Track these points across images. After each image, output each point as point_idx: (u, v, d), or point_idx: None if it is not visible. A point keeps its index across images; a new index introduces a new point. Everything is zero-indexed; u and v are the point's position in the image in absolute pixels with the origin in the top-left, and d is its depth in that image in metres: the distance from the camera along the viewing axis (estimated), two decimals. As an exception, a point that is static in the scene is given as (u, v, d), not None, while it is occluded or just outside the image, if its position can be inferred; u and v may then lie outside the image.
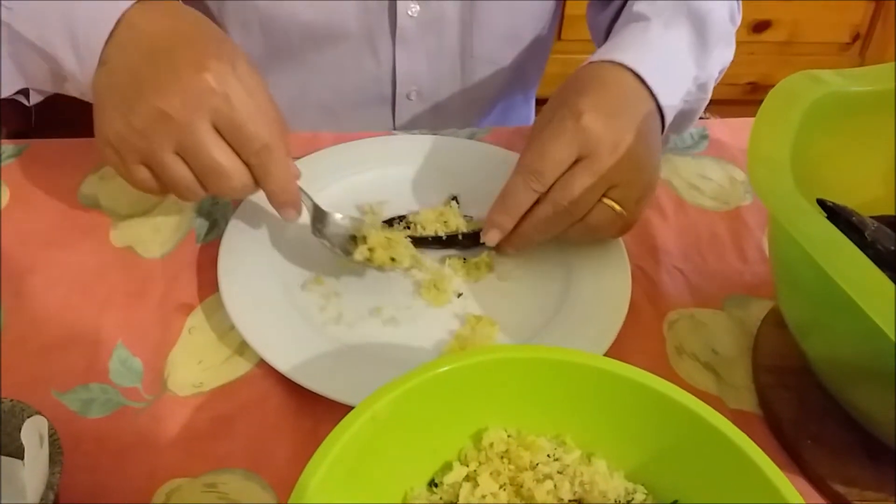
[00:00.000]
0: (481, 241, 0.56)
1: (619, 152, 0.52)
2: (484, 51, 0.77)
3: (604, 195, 0.53)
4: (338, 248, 0.55)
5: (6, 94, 0.56)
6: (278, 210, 0.53)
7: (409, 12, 0.71)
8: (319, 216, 0.55)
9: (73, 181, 0.63)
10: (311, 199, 0.55)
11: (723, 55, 0.67)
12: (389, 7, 0.71)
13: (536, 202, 0.53)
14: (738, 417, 0.50)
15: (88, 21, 0.50)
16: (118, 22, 0.49)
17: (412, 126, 0.80)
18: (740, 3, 0.73)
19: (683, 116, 0.66)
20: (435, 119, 0.82)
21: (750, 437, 0.38)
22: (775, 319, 0.55)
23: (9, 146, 0.66)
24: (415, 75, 0.77)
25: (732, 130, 0.75)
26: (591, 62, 0.59)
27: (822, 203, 0.46)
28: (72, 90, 0.55)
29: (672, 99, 0.59)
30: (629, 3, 0.68)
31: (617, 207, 0.53)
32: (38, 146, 0.66)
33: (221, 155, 0.48)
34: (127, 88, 0.48)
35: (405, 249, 0.54)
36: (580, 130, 0.52)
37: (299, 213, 0.53)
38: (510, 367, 0.40)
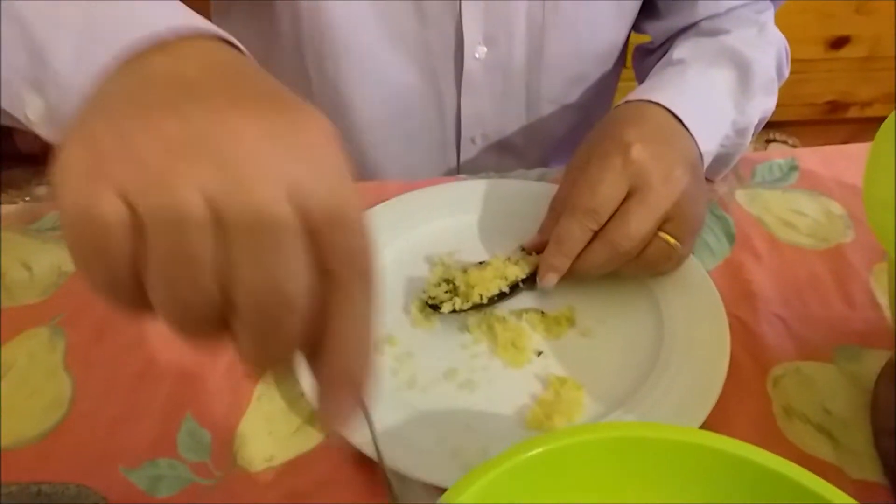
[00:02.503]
0: (538, 286, 0.54)
1: (670, 183, 0.50)
2: (551, 93, 0.75)
3: (659, 229, 0.51)
4: None
5: None
6: (328, 392, 0.29)
7: (476, 55, 0.69)
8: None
9: (141, 242, 0.62)
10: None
11: (764, 102, 0.66)
12: (456, 51, 0.69)
13: (591, 239, 0.52)
14: (862, 490, 0.44)
15: (131, 14, 0.32)
16: (180, 37, 0.30)
17: (476, 167, 0.77)
18: (789, 57, 0.71)
19: (720, 161, 0.64)
20: (500, 160, 0.79)
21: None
22: (895, 374, 0.50)
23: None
24: (480, 119, 0.75)
25: (824, 160, 0.70)
26: (627, 101, 0.59)
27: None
28: (32, 111, 0.34)
29: (709, 139, 0.58)
30: (671, 49, 0.68)
31: (672, 241, 0.51)
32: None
33: (291, 236, 0.26)
34: (186, 91, 0.28)
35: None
36: (629, 163, 0.50)
37: (353, 406, 0.30)
38: (605, 447, 0.36)
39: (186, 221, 0.25)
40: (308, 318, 0.27)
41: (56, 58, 0.32)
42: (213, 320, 0.27)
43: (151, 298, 0.27)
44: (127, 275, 0.26)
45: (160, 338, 0.55)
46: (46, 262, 0.61)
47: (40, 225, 0.64)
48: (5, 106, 0.35)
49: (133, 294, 0.27)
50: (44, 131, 0.34)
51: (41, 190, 1.40)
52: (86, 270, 0.27)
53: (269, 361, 0.28)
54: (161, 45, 0.30)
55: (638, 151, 0.51)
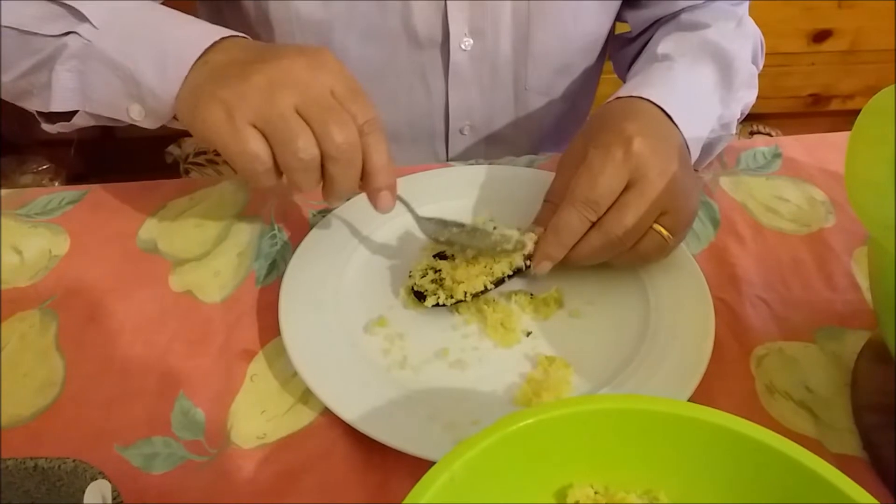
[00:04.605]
0: (532, 272, 0.54)
1: (667, 177, 0.51)
2: (537, 84, 0.76)
3: (654, 222, 0.52)
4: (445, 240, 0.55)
5: (58, 108, 0.55)
6: (377, 197, 0.50)
7: (462, 46, 0.70)
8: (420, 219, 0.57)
9: (132, 226, 0.63)
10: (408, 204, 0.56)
11: (746, 96, 0.68)
12: (442, 43, 0.69)
13: (587, 230, 0.52)
14: (841, 463, 0.46)
15: (182, 38, 0.52)
16: (214, 43, 0.51)
17: (465, 158, 0.78)
18: (764, 49, 0.73)
19: (704, 153, 0.65)
20: (488, 150, 0.80)
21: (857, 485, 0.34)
22: (874, 353, 0.51)
23: (70, 192, 0.66)
24: (468, 110, 0.75)
25: (806, 148, 0.71)
26: (618, 97, 0.59)
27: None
28: (136, 114, 0.54)
29: (696, 133, 0.59)
30: (651, 42, 0.69)
31: (665, 234, 0.52)
32: (97, 191, 0.66)
33: (340, 109, 0.47)
34: (242, 60, 0.49)
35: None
36: (631, 156, 0.51)
37: (394, 202, 0.51)
38: (594, 419, 0.37)
39: (290, 118, 0.46)
40: (360, 157, 0.48)
41: (145, 79, 0.52)
42: (313, 150, 0.47)
43: (284, 168, 0.48)
44: (263, 152, 0.47)
45: (152, 319, 0.55)
46: (36, 245, 0.61)
47: (29, 209, 0.64)
48: (111, 114, 0.55)
49: (264, 159, 0.47)
50: (145, 124, 0.55)
51: (27, 179, 1.40)
52: (251, 179, 0.48)
53: (345, 189, 0.49)
54: (208, 50, 0.51)
55: (639, 144, 0.51)
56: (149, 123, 0.55)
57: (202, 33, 0.52)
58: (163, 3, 0.58)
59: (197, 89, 0.49)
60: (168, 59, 0.51)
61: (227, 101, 0.46)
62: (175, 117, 0.53)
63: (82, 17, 0.54)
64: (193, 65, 0.50)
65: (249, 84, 0.46)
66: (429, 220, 0.57)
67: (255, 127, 0.46)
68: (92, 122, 0.58)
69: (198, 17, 0.58)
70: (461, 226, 0.55)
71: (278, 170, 0.48)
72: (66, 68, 0.54)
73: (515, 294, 0.56)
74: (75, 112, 0.56)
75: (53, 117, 0.58)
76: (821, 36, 1.69)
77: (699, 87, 0.63)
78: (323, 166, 0.48)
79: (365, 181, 0.50)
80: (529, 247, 0.54)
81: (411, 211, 0.56)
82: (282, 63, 0.47)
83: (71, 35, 0.54)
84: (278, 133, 0.46)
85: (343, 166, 0.48)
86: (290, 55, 0.48)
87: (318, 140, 0.46)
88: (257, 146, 0.46)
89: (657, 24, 0.73)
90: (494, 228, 0.55)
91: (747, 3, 0.73)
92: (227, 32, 0.53)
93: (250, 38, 0.54)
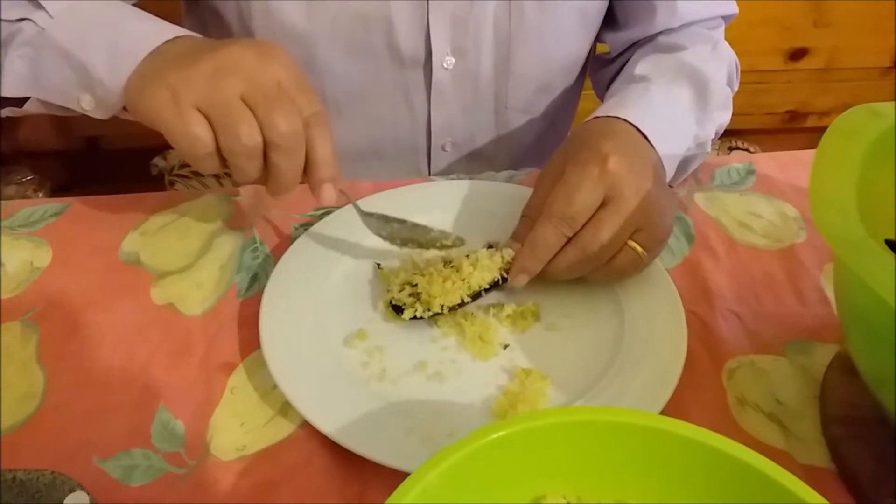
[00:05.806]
0: (509, 285, 0.55)
1: (641, 195, 0.52)
2: (518, 102, 0.77)
3: (628, 238, 0.53)
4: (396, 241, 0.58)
5: (8, 93, 0.56)
6: (319, 189, 0.51)
7: (445, 65, 0.71)
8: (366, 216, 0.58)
9: (115, 239, 0.63)
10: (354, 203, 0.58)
11: (721, 116, 0.69)
12: (425, 62, 0.71)
13: (563, 245, 0.53)
14: (810, 474, 0.47)
15: (136, 34, 0.53)
16: (167, 40, 0.53)
17: (447, 174, 0.79)
18: (738, 71, 0.75)
19: (679, 170, 0.67)
20: (470, 167, 0.81)
21: (825, 496, 0.35)
22: (842, 366, 0.52)
23: (52, 204, 0.66)
24: (450, 127, 0.77)
25: (780, 165, 0.73)
26: (595, 117, 0.60)
27: (891, 244, 0.44)
28: (87, 104, 0.55)
29: (672, 153, 0.61)
30: (629, 63, 0.71)
31: (640, 250, 0.53)
32: (80, 204, 0.66)
33: (286, 98, 0.48)
34: (192, 49, 0.50)
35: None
36: (607, 174, 0.52)
37: (336, 196, 0.52)
38: (567, 430, 0.38)
39: (235, 105, 0.47)
40: (303, 147, 0.49)
41: (95, 71, 0.53)
42: (256, 137, 0.47)
43: (227, 153, 0.48)
44: (207, 137, 0.48)
45: (133, 331, 0.55)
46: (18, 257, 0.61)
47: (12, 222, 0.65)
48: (62, 103, 0.56)
49: (206, 146, 0.48)
50: (95, 115, 0.56)
51: (11, 189, 1.39)
52: (193, 162, 0.49)
53: (288, 180, 0.50)
54: (160, 45, 0.52)
55: (615, 163, 0.52)
56: (99, 114, 0.56)
57: (157, 30, 0.53)
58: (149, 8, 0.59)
59: (145, 74, 0.51)
60: (119, 52, 0.53)
61: (173, 84, 0.47)
62: (125, 108, 0.55)
63: (38, 6, 0.55)
64: (144, 58, 0.52)
65: (196, 69, 0.48)
66: (371, 215, 0.58)
67: (199, 111, 0.47)
68: (43, 110, 0.59)
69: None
70: (402, 222, 0.57)
71: (222, 156, 0.49)
72: (19, 54, 0.56)
73: (493, 307, 0.56)
74: (26, 98, 0.57)
75: (2, 102, 0.58)
76: (797, 54, 1.73)
77: (675, 108, 0.64)
78: (266, 156, 0.48)
79: (308, 173, 0.50)
80: (506, 259, 0.55)
81: (355, 206, 0.58)
82: (231, 51, 0.48)
83: (25, 21, 0.55)
84: (222, 118, 0.47)
85: (286, 155, 0.48)
86: (241, 45, 0.49)
87: (262, 127, 0.47)
88: (200, 129, 0.47)
89: (635, 45, 0.75)
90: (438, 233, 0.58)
91: (722, 28, 0.75)
92: (181, 32, 0.54)
93: (204, 37, 0.55)
